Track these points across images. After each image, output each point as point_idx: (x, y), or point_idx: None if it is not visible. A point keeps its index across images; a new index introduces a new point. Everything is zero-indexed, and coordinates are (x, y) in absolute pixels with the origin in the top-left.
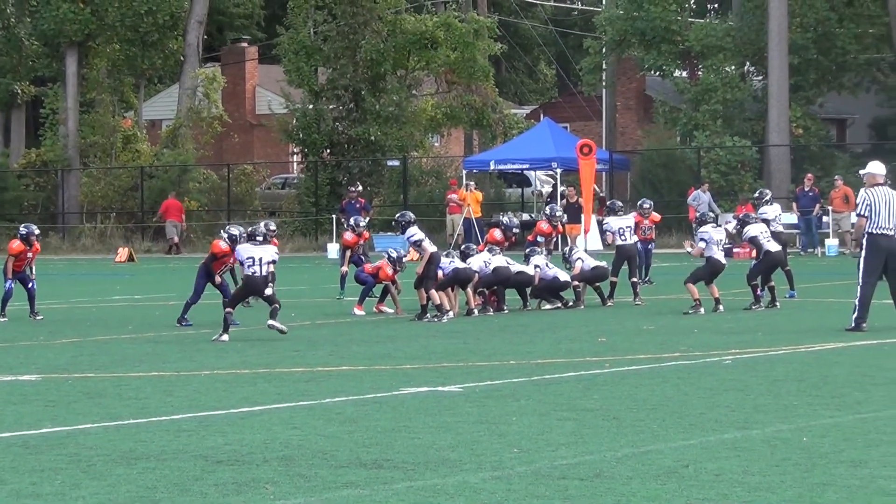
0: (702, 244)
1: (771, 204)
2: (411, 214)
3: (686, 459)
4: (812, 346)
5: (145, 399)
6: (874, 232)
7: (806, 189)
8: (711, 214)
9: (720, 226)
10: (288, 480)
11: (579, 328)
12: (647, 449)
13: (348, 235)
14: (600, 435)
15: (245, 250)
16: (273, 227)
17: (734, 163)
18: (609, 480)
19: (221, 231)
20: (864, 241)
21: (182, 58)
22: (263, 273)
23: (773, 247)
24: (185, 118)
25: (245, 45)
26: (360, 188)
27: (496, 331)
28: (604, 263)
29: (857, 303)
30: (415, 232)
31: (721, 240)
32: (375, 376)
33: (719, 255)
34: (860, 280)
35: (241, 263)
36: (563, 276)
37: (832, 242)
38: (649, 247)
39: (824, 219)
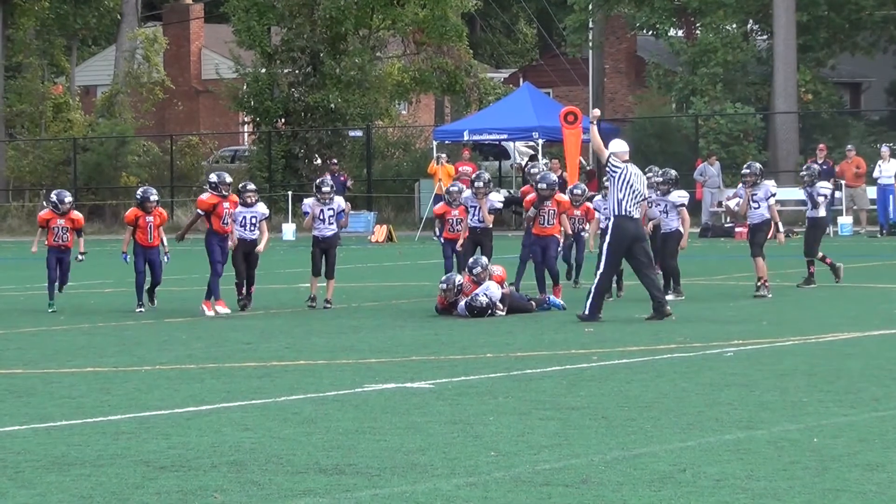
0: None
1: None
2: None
3: (683, 463)
4: (823, 336)
5: (80, 398)
6: None
7: (819, 161)
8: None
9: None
10: (239, 488)
11: (563, 317)
12: (639, 452)
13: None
14: (587, 436)
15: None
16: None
17: (736, 132)
18: (597, 487)
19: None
20: None
21: (119, 16)
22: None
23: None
24: (123, 84)
25: (189, 2)
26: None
27: (471, 320)
28: None
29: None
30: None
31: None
32: (336, 371)
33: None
34: None
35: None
36: None
37: (845, 221)
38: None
39: (836, 194)
